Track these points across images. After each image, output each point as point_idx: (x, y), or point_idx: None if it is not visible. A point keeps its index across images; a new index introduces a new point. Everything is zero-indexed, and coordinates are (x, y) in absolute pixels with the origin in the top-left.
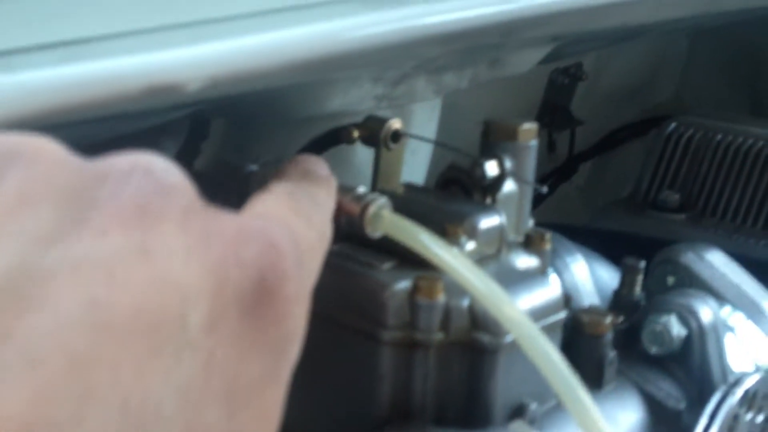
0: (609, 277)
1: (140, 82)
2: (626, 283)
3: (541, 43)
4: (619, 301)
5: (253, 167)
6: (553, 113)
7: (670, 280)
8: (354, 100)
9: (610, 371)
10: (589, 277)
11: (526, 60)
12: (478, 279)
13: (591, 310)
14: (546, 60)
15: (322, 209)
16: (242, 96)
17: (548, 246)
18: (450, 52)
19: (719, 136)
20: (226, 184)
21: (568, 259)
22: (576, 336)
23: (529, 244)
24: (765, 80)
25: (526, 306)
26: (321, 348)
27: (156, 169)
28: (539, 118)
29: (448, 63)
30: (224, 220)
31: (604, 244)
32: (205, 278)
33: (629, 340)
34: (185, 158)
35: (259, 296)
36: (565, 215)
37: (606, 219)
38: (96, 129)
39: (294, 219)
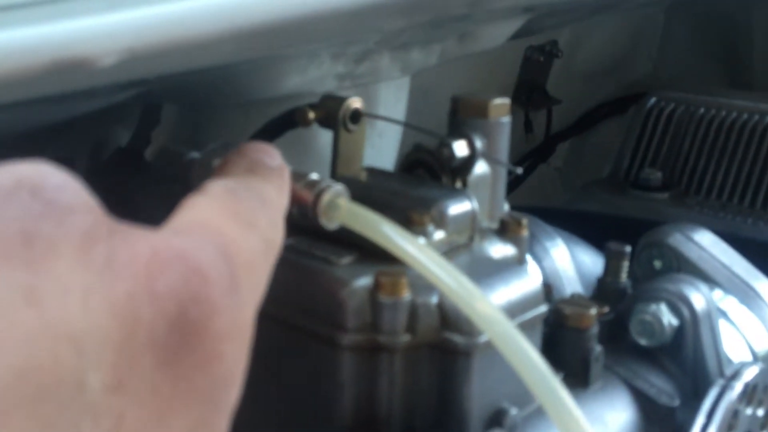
0: (592, 262)
1: (41, 56)
2: (611, 269)
3: (512, 15)
4: (603, 289)
5: (195, 155)
6: (529, 92)
7: (657, 264)
8: (313, 79)
9: (596, 368)
10: (570, 264)
11: (498, 34)
12: (446, 273)
13: (574, 300)
14: (519, 34)
15: (271, 208)
16: (190, 76)
17: (525, 232)
18: (415, 26)
19: (701, 110)
20: (170, 175)
21: (548, 245)
22: (558, 330)
23: (504, 231)
24: (742, 52)
25: (501, 301)
26: (275, 353)
27: (47, 186)
28: (515, 98)
29: (414, 38)
30: (136, 243)
31: (584, 227)
32: (108, 323)
33: (616, 332)
34: (135, 147)
35: (179, 337)
36: (544, 198)
37: (585, 200)
38: (28, 114)
39: (231, 227)
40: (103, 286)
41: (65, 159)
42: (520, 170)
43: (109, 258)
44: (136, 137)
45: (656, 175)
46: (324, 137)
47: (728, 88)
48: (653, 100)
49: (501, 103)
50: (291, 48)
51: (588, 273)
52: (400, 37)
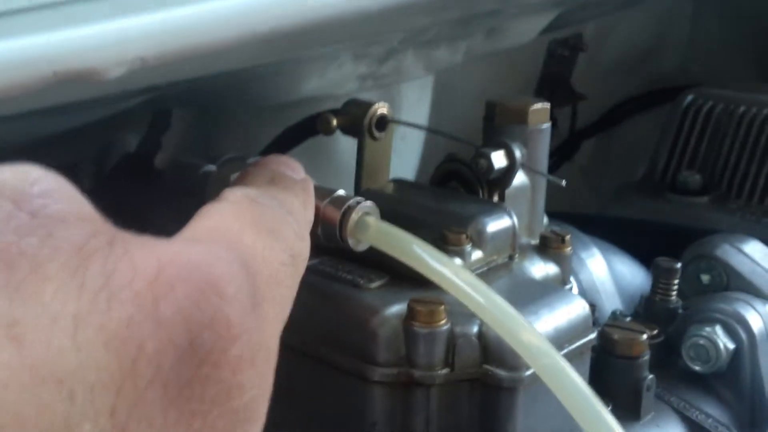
0: (631, 274)
1: (40, 69)
2: (660, 287)
3: (542, 9)
4: (651, 309)
5: (211, 167)
6: (553, 88)
7: (705, 278)
8: (333, 81)
9: (648, 399)
10: (608, 276)
11: (527, 29)
12: (487, 299)
13: (622, 323)
14: (546, 29)
15: (297, 220)
16: (202, 81)
17: (569, 250)
18: (442, 23)
19: (742, 108)
20: (183, 189)
21: (583, 255)
22: (605, 357)
23: (545, 247)
24: None
25: (548, 329)
26: (299, 388)
27: (33, 192)
28: (538, 94)
29: (440, 35)
30: (140, 256)
31: (617, 234)
32: (104, 358)
33: (666, 356)
34: (144, 154)
35: (191, 368)
36: (568, 198)
37: (619, 205)
38: (36, 123)
39: (253, 236)
40: (97, 313)
41: (69, 166)
42: (563, 183)
43: (107, 277)
44: (145, 143)
45: (695, 178)
46: (344, 144)
47: (763, 82)
48: (690, 97)
49: (541, 107)
50: (313, 51)
51: (627, 286)
52: (425, 35)
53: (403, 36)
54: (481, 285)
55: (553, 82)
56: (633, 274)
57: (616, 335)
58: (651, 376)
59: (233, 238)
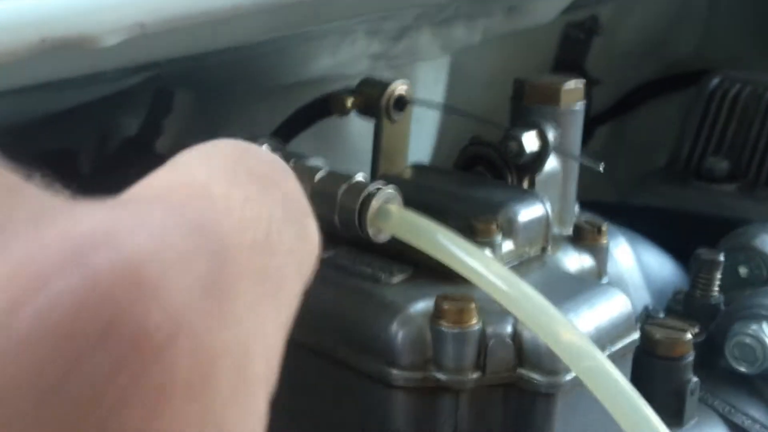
0: (658, 265)
1: (28, 34)
2: (701, 282)
3: None
4: (691, 305)
5: None
6: (567, 71)
7: (743, 271)
8: (345, 60)
9: (691, 403)
10: (636, 267)
11: (548, 8)
12: (523, 295)
13: (664, 322)
14: (564, 10)
15: (290, 188)
16: (206, 58)
17: (605, 241)
18: None
19: None
20: None
21: (610, 245)
22: (645, 358)
23: (579, 238)
24: None
25: (588, 328)
26: (316, 392)
27: None
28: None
29: (459, 12)
30: (45, 230)
31: (641, 223)
32: None
33: (708, 356)
34: (145, 138)
35: (84, 388)
36: (582, 184)
37: (642, 193)
38: (19, 103)
39: (227, 185)
40: None
41: (67, 151)
42: (601, 166)
43: None
44: (146, 126)
45: (722, 165)
46: (358, 126)
47: None
48: (716, 80)
49: (575, 86)
50: (325, 23)
51: (656, 278)
52: (443, 12)
53: (420, 12)
54: (516, 279)
55: (568, 67)
56: (661, 266)
57: (658, 335)
58: (695, 379)
59: (193, 192)
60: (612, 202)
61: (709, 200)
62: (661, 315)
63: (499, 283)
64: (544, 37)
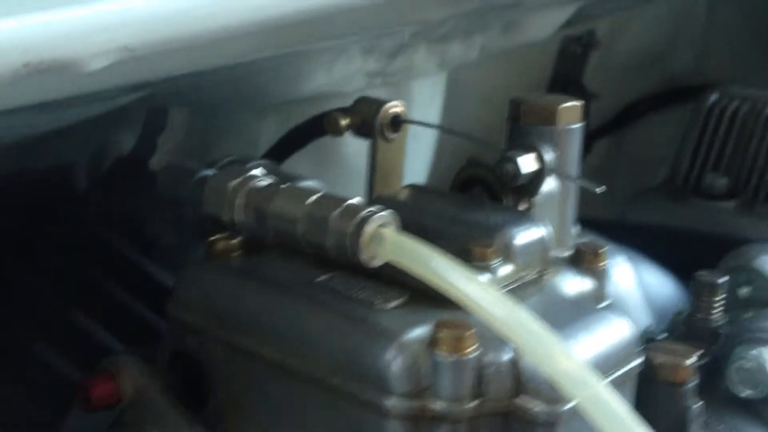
0: (659, 284)
1: (12, 59)
2: (702, 304)
3: (564, 0)
4: (692, 327)
5: (208, 172)
6: (565, 86)
7: (744, 291)
8: (340, 77)
9: (695, 429)
10: (636, 287)
11: (545, 24)
12: (521, 323)
13: (665, 346)
14: (566, 23)
15: None
16: (199, 77)
17: (604, 263)
18: (459, 15)
19: None
20: (177, 195)
21: (610, 264)
22: (648, 383)
23: (578, 261)
24: None
25: (588, 354)
26: (308, 420)
27: None
28: (549, 92)
29: (456, 29)
30: None
31: (640, 241)
32: None
33: (710, 379)
34: (139, 156)
35: None
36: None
37: (641, 209)
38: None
39: None
40: None
41: (65, 166)
42: (599, 189)
43: None
44: (141, 144)
45: (721, 181)
46: (354, 146)
47: None
48: (715, 96)
49: (572, 105)
50: (319, 43)
51: (656, 298)
52: (440, 29)
53: (416, 29)
54: (512, 305)
55: (565, 81)
56: (662, 285)
57: (659, 359)
58: (699, 404)
59: None
60: (610, 219)
61: (708, 217)
62: (663, 336)
63: (495, 310)
64: (542, 53)
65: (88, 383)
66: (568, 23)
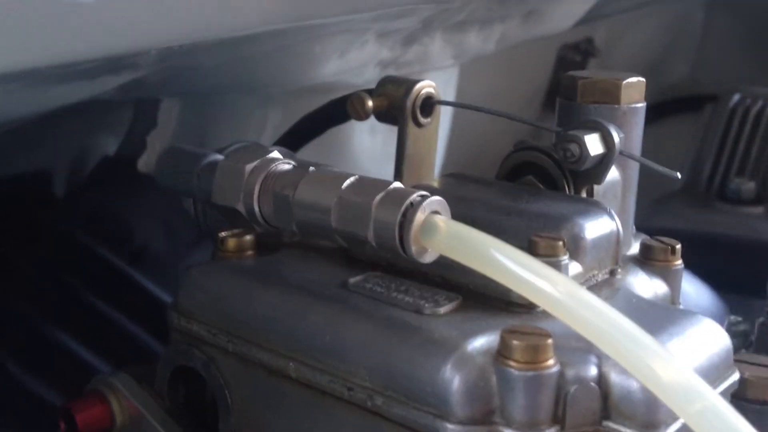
0: (696, 293)
1: None
2: None
3: None
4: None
5: (218, 156)
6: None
7: None
8: (353, 65)
9: None
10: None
11: (566, 15)
12: (613, 324)
13: (752, 358)
14: (583, 20)
15: None
16: (196, 57)
17: (679, 262)
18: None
19: None
20: (182, 180)
21: None
22: (732, 401)
23: (648, 259)
24: None
25: (693, 363)
26: None
27: None
28: (548, 100)
29: (474, 15)
30: None
31: None
32: None
33: None
34: (126, 156)
35: None
36: None
37: (662, 215)
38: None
39: None
40: None
41: (43, 172)
42: (678, 174)
43: None
44: (128, 143)
45: (748, 186)
46: (358, 137)
47: None
48: (737, 97)
49: (636, 81)
50: (330, 15)
51: (694, 308)
52: (457, 15)
53: (431, 12)
54: (602, 304)
55: None
56: (698, 293)
57: (747, 373)
58: None
59: None
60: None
61: (735, 223)
62: None
63: (581, 309)
64: (540, 59)
65: (72, 407)
66: (592, 17)
